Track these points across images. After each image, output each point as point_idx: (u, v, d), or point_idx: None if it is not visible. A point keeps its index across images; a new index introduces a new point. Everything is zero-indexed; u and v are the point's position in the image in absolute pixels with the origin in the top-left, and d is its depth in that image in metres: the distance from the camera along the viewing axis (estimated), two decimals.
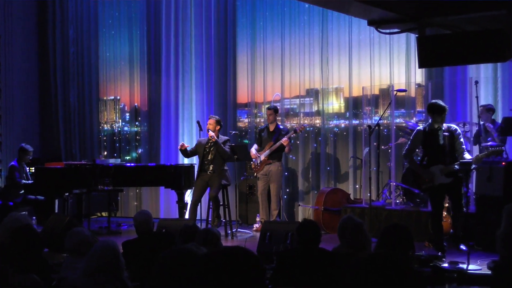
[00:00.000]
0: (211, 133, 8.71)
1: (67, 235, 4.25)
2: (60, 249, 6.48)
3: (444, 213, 7.40)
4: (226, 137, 9.02)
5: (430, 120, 6.70)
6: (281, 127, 9.29)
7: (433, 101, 6.79)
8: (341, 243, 4.42)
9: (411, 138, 6.92)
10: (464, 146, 6.71)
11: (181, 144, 9.00)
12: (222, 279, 2.06)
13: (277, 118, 9.34)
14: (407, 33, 8.06)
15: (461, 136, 6.71)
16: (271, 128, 9.17)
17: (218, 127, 8.88)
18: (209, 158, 8.79)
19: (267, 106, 9.67)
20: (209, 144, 8.81)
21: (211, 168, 8.78)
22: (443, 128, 6.63)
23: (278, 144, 8.96)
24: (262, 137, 9.26)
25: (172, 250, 2.75)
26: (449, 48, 5.64)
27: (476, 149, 8.01)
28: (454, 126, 6.75)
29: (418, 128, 6.90)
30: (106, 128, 11.93)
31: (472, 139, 8.15)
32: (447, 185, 6.60)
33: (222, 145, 8.70)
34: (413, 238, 3.78)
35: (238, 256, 2.11)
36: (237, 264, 2.08)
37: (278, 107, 9.56)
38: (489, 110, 8.17)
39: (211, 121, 8.87)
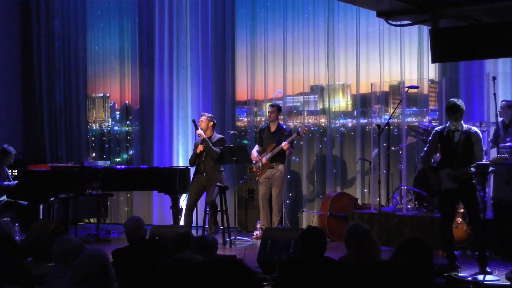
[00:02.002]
0: (199, 131, 8.76)
1: (54, 243, 4.25)
2: (45, 258, 6.50)
3: (459, 220, 7.41)
4: (220, 136, 9.03)
5: (448, 122, 6.69)
6: (283, 126, 9.29)
7: (450, 99, 6.78)
8: (348, 252, 4.42)
9: (429, 140, 6.93)
10: (483, 153, 6.64)
11: (199, 148, 8.92)
12: None
13: (280, 117, 9.35)
14: (419, 25, 8.05)
15: (480, 140, 6.63)
16: (273, 128, 9.18)
17: (211, 124, 8.92)
18: (202, 158, 8.82)
19: (269, 103, 9.67)
20: (202, 144, 8.84)
21: (202, 168, 8.81)
22: (462, 130, 6.61)
23: (278, 148, 8.96)
24: (263, 138, 9.26)
25: (171, 260, 2.76)
26: (464, 41, 5.65)
27: (494, 152, 8.01)
28: (475, 128, 6.70)
29: (435, 129, 6.90)
30: (94, 127, 11.93)
31: (490, 140, 8.12)
32: (456, 191, 6.59)
33: (209, 143, 8.71)
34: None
35: (229, 268, 2.11)
36: (228, 277, 2.08)
37: (281, 105, 9.57)
38: (510, 107, 8.17)
39: (203, 118, 8.92)
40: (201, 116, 9.09)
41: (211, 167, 8.79)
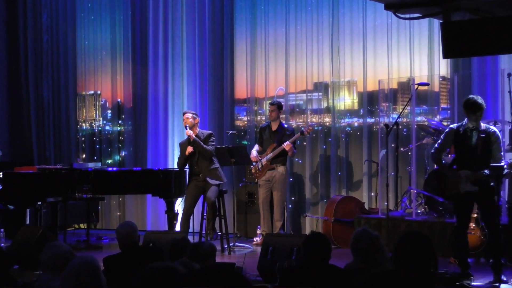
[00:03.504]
0: (188, 131, 8.72)
1: (43, 249, 4.25)
2: (33, 266, 6.50)
3: (472, 225, 7.40)
4: (208, 131, 8.98)
5: (465, 120, 6.66)
6: (285, 126, 9.29)
7: (470, 96, 6.73)
8: (354, 259, 4.42)
9: (442, 136, 6.88)
10: (502, 153, 6.62)
11: (188, 150, 8.88)
12: None
13: (281, 115, 9.35)
14: (430, 19, 8.06)
15: (500, 140, 6.61)
16: (274, 127, 9.17)
17: (197, 121, 8.88)
18: (195, 159, 8.80)
19: (269, 101, 9.65)
20: (190, 144, 8.81)
21: (196, 169, 8.80)
22: (481, 129, 6.58)
23: (279, 149, 8.95)
24: (263, 138, 9.26)
25: (151, 268, 2.75)
26: (478, 35, 5.65)
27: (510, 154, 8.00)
28: (493, 128, 6.67)
29: (451, 126, 6.86)
30: (84, 127, 11.93)
31: (505, 140, 8.09)
32: (474, 194, 6.57)
33: (201, 143, 8.70)
34: (436, 251, 3.73)
35: (223, 277, 2.11)
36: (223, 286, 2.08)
37: (282, 103, 9.57)
38: None
39: (189, 115, 8.83)
40: (185, 113, 8.93)
41: (206, 167, 8.77)
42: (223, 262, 7.04)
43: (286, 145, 8.89)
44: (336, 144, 9.92)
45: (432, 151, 6.94)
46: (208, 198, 8.61)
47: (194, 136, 8.71)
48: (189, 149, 8.76)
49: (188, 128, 8.75)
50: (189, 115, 8.85)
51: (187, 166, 9.16)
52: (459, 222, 6.72)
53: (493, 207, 6.53)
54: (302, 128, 9.20)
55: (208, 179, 8.68)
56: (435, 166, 8.60)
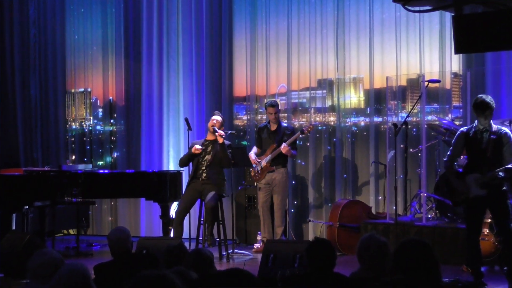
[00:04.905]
0: (220, 132, 8.72)
1: (32, 256, 4.25)
2: (19, 274, 6.49)
3: (486, 231, 7.40)
4: (228, 142, 9.02)
5: (476, 121, 6.68)
6: (284, 125, 9.28)
7: (478, 95, 6.77)
8: (360, 267, 4.41)
9: (453, 142, 6.91)
10: None
11: (194, 148, 8.88)
12: None
13: (282, 115, 9.35)
14: (441, 11, 8.06)
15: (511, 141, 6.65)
16: (273, 127, 9.16)
17: (222, 128, 8.93)
18: (206, 163, 8.80)
19: (266, 101, 9.60)
20: (206, 146, 8.82)
21: (204, 175, 8.79)
22: (492, 130, 6.59)
23: (277, 151, 8.93)
24: (262, 138, 9.25)
25: (142, 276, 2.74)
26: (492, 29, 5.64)
27: None
28: (505, 129, 6.68)
29: (461, 129, 6.89)
30: (74, 127, 11.94)
31: None
32: (485, 199, 6.57)
33: (226, 148, 8.71)
34: (448, 258, 3.75)
35: (237, 279, 2.11)
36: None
37: (284, 102, 9.57)
38: None
39: (219, 118, 8.89)
40: (215, 114, 9.01)
41: (214, 174, 8.78)
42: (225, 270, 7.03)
43: (283, 147, 8.85)
44: (341, 145, 9.92)
45: (445, 159, 6.96)
46: (208, 202, 8.60)
47: (223, 139, 8.72)
48: (197, 148, 8.76)
49: (215, 129, 8.74)
50: (219, 118, 8.90)
51: (184, 169, 9.16)
52: (470, 229, 6.73)
53: (506, 212, 6.54)
54: (303, 127, 9.16)
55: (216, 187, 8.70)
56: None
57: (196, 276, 3.99)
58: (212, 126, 8.82)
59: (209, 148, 8.88)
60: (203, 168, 8.84)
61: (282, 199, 9.09)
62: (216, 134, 8.71)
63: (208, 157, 8.86)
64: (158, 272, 2.75)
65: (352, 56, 9.87)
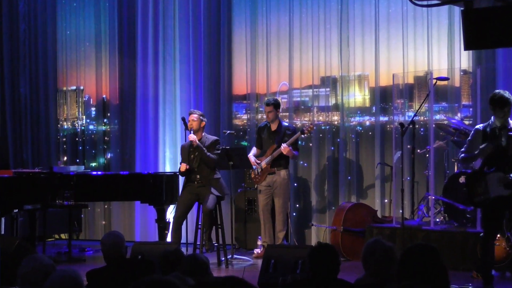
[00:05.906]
0: (191, 136, 8.71)
1: (22, 262, 4.25)
2: (8, 280, 6.48)
3: (497, 235, 7.39)
4: (214, 137, 9.01)
5: (492, 118, 6.67)
6: (286, 124, 9.27)
7: (496, 91, 6.74)
8: (365, 273, 4.41)
9: (468, 140, 6.90)
10: None
11: (181, 166, 8.90)
12: None
13: (284, 114, 9.34)
14: (450, 6, 8.06)
15: None
16: (273, 127, 9.16)
17: (203, 124, 8.90)
18: (195, 166, 8.81)
19: (265, 100, 9.60)
20: (192, 148, 8.82)
21: (198, 177, 8.81)
22: (510, 127, 6.58)
23: (277, 152, 8.92)
24: (262, 138, 9.25)
25: (147, 282, 2.74)
26: (502, 24, 5.65)
27: None
28: None
29: (476, 127, 6.86)
30: (66, 126, 11.93)
31: None
32: (506, 199, 6.56)
33: (204, 150, 8.70)
34: (457, 264, 3.76)
35: None
36: None
37: (285, 100, 9.56)
38: None
39: (194, 117, 8.86)
40: (190, 114, 8.98)
41: (207, 175, 8.79)
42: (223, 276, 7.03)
43: (283, 148, 8.85)
44: (345, 145, 9.92)
45: (461, 154, 6.91)
46: (205, 206, 8.61)
47: (197, 142, 8.72)
48: (184, 166, 8.77)
49: (192, 132, 8.74)
50: (195, 116, 8.86)
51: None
52: (487, 230, 6.71)
53: None
54: (303, 127, 9.15)
55: (212, 189, 8.69)
56: (455, 170, 8.62)
57: (193, 282, 4.00)
58: (190, 128, 8.82)
59: (197, 152, 8.85)
60: (196, 170, 8.84)
61: (283, 202, 9.09)
62: (188, 136, 8.76)
63: (196, 160, 8.85)
64: (163, 278, 2.75)
65: (357, 52, 9.87)
